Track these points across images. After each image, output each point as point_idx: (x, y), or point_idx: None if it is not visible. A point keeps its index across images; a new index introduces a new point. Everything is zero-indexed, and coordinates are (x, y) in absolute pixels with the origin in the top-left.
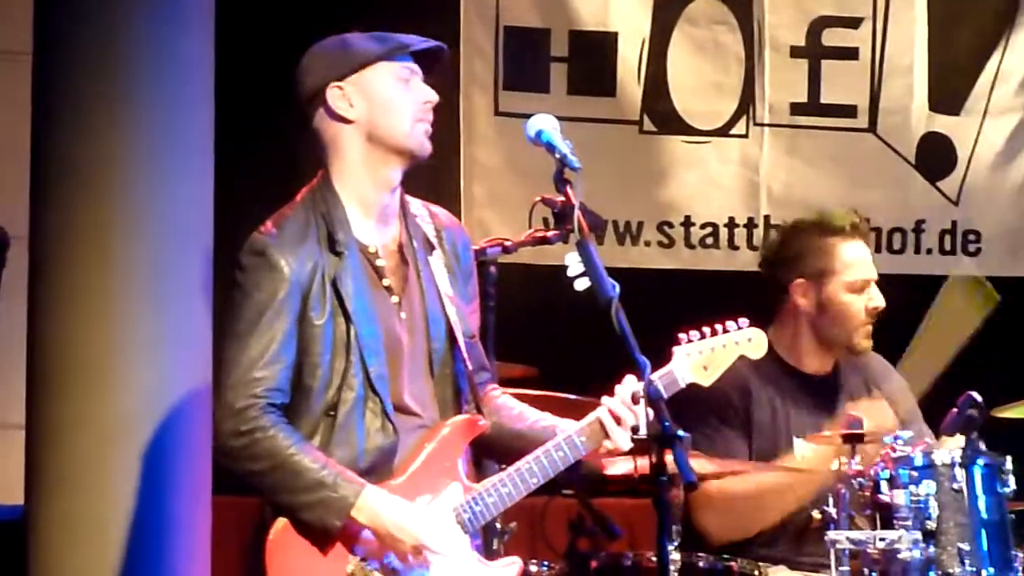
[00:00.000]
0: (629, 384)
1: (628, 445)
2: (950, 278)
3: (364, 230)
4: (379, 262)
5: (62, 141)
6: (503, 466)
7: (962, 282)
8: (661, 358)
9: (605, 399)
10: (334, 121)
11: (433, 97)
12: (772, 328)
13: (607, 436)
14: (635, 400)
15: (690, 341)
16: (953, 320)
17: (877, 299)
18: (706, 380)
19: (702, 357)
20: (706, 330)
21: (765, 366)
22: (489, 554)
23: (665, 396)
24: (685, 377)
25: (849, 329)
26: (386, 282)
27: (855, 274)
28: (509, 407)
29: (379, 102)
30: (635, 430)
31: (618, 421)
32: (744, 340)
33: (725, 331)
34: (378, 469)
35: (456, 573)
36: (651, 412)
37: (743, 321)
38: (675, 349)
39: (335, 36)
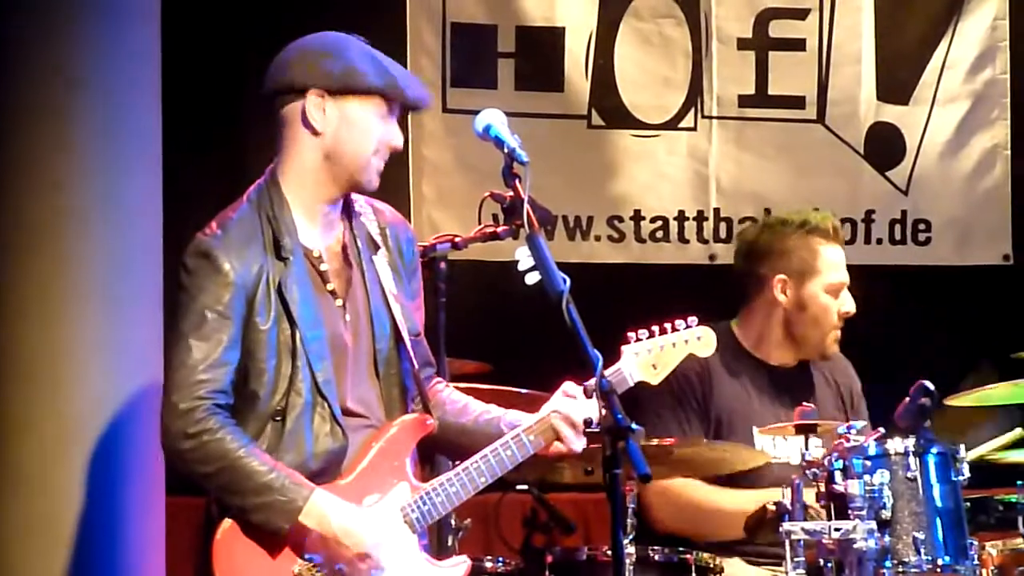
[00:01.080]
0: (573, 387)
1: (581, 447)
2: None
3: (308, 234)
4: (323, 266)
5: (8, 143)
6: (454, 463)
7: None
8: (613, 352)
9: (554, 401)
10: (301, 125)
11: (399, 144)
12: (738, 320)
13: (558, 438)
14: (587, 394)
15: (639, 340)
16: None
17: (849, 304)
18: (655, 379)
19: (651, 356)
20: (655, 329)
21: (729, 356)
22: (444, 551)
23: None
24: (633, 375)
25: (823, 331)
26: (330, 286)
27: (835, 276)
28: (454, 401)
29: (351, 128)
30: (588, 423)
31: (571, 425)
32: (693, 339)
33: (674, 330)
34: (328, 472)
35: (404, 575)
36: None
37: (692, 320)
38: (624, 348)
39: (334, 37)
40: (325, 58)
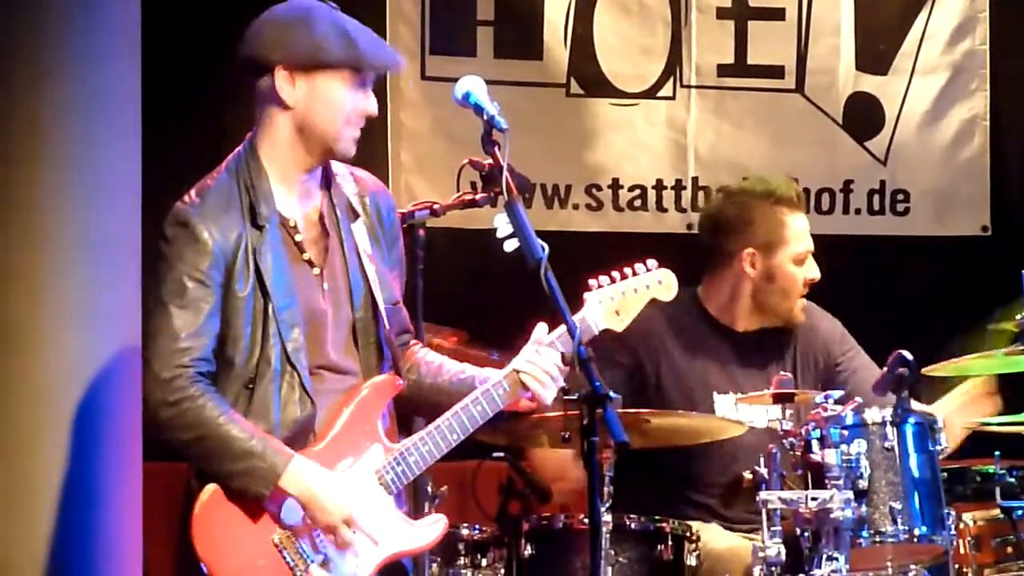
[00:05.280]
0: (542, 332)
1: (550, 398)
2: None
3: (286, 203)
4: (299, 236)
5: None
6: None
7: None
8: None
9: (523, 353)
10: (273, 97)
11: (373, 111)
12: (704, 285)
13: (526, 389)
14: (565, 362)
15: (600, 287)
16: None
17: (814, 271)
18: (619, 325)
19: (614, 302)
20: (616, 275)
21: (691, 321)
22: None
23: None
24: (598, 323)
25: (791, 300)
26: (307, 255)
27: (801, 246)
28: (429, 361)
29: (321, 100)
30: (565, 391)
31: (538, 378)
32: (655, 282)
33: (635, 274)
34: (297, 440)
35: (382, 537)
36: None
37: (652, 263)
38: (586, 295)
39: (303, 7)
40: (291, 32)
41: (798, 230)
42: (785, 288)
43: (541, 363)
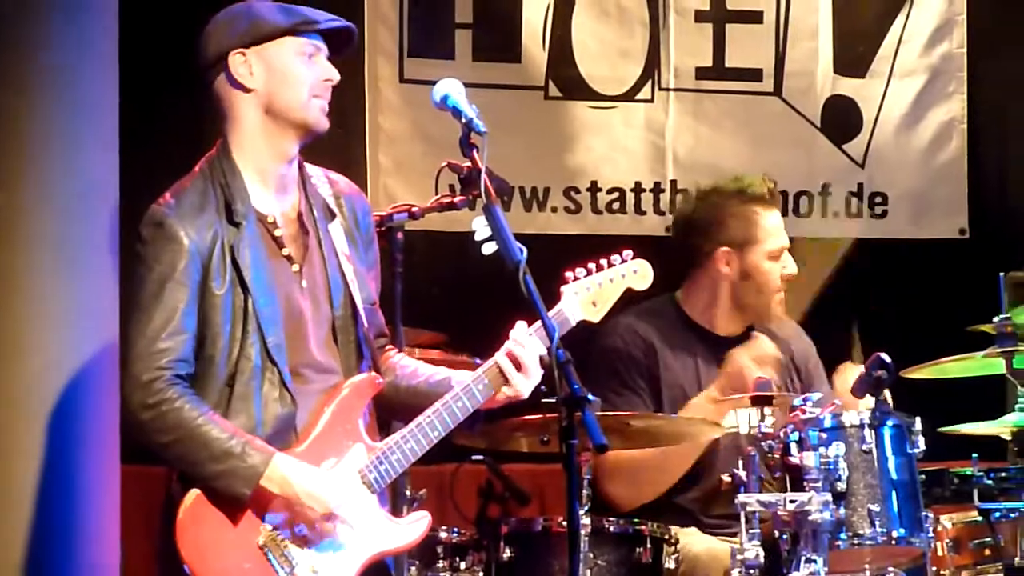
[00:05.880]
0: (522, 328)
1: (528, 391)
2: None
3: (263, 200)
4: (277, 232)
5: None
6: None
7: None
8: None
9: (503, 349)
10: (233, 89)
11: (334, 75)
12: (683, 290)
13: (506, 382)
14: (543, 364)
15: (576, 279)
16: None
17: (791, 266)
18: (595, 316)
19: (590, 293)
20: (591, 266)
21: (674, 328)
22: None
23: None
24: (575, 315)
25: (768, 297)
26: (286, 251)
27: (776, 243)
28: (403, 365)
29: (278, 75)
30: (544, 394)
31: (517, 365)
32: (630, 272)
33: (610, 265)
34: (279, 438)
35: (365, 535)
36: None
37: (627, 253)
38: (563, 288)
39: (242, 3)
40: (232, 22)
41: (771, 226)
42: (762, 285)
43: (523, 354)
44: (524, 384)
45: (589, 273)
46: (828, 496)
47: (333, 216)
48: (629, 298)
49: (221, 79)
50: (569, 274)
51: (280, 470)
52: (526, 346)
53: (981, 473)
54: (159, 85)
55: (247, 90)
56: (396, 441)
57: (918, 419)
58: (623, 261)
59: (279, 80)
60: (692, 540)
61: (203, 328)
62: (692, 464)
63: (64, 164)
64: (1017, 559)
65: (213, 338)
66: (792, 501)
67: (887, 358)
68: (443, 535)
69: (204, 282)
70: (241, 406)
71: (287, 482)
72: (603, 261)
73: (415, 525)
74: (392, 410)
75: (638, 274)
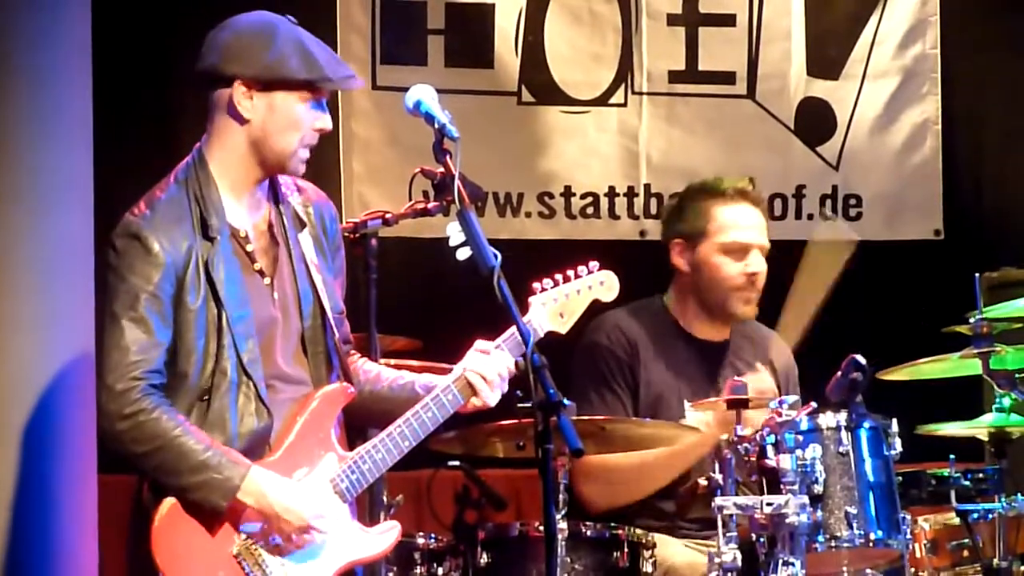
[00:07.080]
0: (484, 344)
1: (495, 401)
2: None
3: (235, 213)
4: (249, 247)
5: None
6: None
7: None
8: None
9: (467, 358)
10: (228, 114)
11: (327, 126)
12: (669, 293)
13: (475, 393)
14: (519, 368)
15: (544, 290)
16: (817, 274)
17: (755, 265)
18: (563, 327)
19: (557, 304)
20: (559, 277)
21: (660, 330)
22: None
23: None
24: (543, 326)
25: (723, 291)
26: (257, 265)
27: (729, 236)
28: (366, 371)
29: (278, 120)
30: (519, 399)
31: (484, 379)
32: (596, 284)
33: (577, 276)
34: (254, 451)
35: (338, 544)
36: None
37: (594, 264)
38: (531, 299)
39: (269, 22)
40: (252, 47)
41: (726, 220)
42: (712, 278)
43: (490, 366)
44: (491, 395)
45: (556, 284)
46: (805, 499)
47: (303, 225)
48: (622, 295)
49: (220, 94)
50: (536, 285)
51: (256, 483)
52: (496, 356)
53: (958, 474)
54: (133, 88)
55: (242, 121)
56: (367, 450)
57: (895, 421)
58: (590, 272)
59: (276, 124)
60: (670, 546)
61: (176, 342)
62: (679, 475)
63: (36, 169)
64: (995, 560)
65: (186, 353)
66: (769, 504)
67: (862, 360)
68: (420, 541)
69: (178, 295)
70: (217, 420)
71: (263, 495)
72: (570, 272)
73: (386, 535)
74: (357, 416)
75: (604, 285)
